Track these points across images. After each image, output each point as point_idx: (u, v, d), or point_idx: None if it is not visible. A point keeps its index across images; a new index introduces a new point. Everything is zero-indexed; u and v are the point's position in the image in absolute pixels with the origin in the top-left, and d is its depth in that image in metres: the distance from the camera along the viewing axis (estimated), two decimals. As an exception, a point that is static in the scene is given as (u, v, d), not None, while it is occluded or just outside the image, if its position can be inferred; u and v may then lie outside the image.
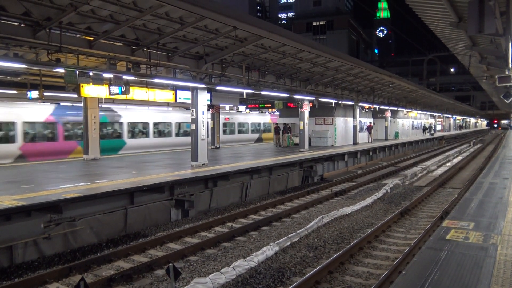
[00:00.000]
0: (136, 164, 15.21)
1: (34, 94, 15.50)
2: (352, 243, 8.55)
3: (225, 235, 9.59)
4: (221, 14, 10.52)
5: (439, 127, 55.66)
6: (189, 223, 11.02)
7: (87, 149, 16.25)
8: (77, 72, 10.07)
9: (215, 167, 14.11)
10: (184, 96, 15.55)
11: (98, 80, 10.80)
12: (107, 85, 12.89)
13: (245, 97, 17.61)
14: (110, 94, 13.22)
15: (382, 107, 31.60)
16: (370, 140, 30.29)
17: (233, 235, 9.74)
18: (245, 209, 12.31)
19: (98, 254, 8.47)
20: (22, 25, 9.60)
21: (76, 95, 15.14)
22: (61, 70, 10.17)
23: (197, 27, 11.68)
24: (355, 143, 28.41)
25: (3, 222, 7.89)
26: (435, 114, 53.09)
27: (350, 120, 28.40)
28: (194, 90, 14.31)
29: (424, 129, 47.86)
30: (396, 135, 37.53)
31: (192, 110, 14.41)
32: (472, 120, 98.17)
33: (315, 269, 7.01)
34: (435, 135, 47.64)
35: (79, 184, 10.39)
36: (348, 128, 28.35)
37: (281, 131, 25.82)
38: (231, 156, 18.76)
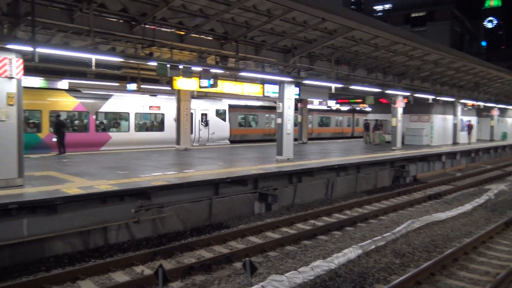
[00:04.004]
0: (223, 155, 15.59)
1: (133, 86, 16.66)
2: (445, 253, 7.74)
3: (307, 233, 9.33)
4: (309, 6, 10.23)
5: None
6: (271, 218, 10.94)
7: (179, 140, 17.06)
8: (168, 66, 10.49)
9: (300, 162, 13.88)
10: (271, 90, 15.56)
11: (188, 73, 11.15)
12: (197, 79, 13.33)
13: (333, 92, 17.10)
14: (200, 87, 13.66)
15: (487, 104, 28.63)
16: (469, 141, 27.59)
17: (315, 233, 9.43)
18: (329, 207, 11.91)
19: (182, 241, 8.73)
20: (121, 21, 10.24)
21: (169, 88, 15.95)
22: (154, 64, 10.67)
23: (284, 20, 11.50)
24: (454, 143, 26.19)
25: (99, 205, 8.51)
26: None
27: (449, 118, 26.24)
28: (281, 84, 14.21)
29: None
30: (504, 135, 33.79)
31: (279, 104, 14.36)
32: None
33: (401, 278, 6.45)
34: None
35: (168, 173, 10.87)
36: (447, 127, 26.23)
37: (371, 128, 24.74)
38: (318, 152, 18.35)
